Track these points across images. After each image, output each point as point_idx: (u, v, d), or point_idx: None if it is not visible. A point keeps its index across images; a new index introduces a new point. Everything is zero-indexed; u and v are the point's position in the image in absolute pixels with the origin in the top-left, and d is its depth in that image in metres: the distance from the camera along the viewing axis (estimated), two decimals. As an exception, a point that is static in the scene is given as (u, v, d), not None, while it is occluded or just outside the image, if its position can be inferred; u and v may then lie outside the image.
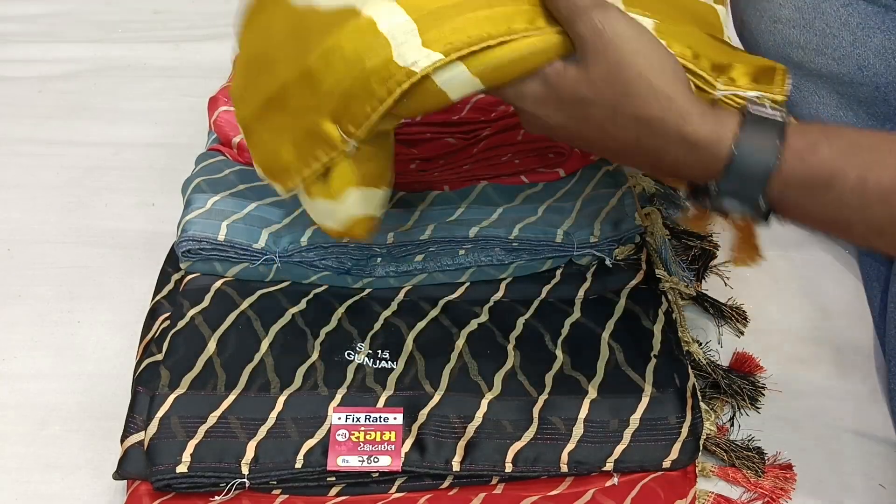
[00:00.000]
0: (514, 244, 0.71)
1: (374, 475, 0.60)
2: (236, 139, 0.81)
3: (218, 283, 0.69)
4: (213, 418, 0.61)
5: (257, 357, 0.65)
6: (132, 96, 1.01)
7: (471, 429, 0.61)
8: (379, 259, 0.71)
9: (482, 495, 0.60)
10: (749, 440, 0.64)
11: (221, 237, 0.69)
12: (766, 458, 0.63)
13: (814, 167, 0.48)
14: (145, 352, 0.66)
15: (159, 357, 0.64)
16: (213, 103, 0.85)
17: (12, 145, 0.93)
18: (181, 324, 0.66)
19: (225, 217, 0.71)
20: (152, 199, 0.87)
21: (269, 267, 0.70)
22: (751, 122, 0.49)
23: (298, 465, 0.60)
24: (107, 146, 0.93)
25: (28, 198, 0.87)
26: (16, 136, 0.94)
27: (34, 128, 0.96)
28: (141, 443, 0.60)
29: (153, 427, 0.60)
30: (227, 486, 0.59)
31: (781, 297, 0.76)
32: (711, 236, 0.78)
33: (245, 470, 0.59)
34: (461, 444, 0.61)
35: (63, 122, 0.97)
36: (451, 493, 0.60)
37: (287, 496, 0.60)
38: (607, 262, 0.71)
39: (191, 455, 0.59)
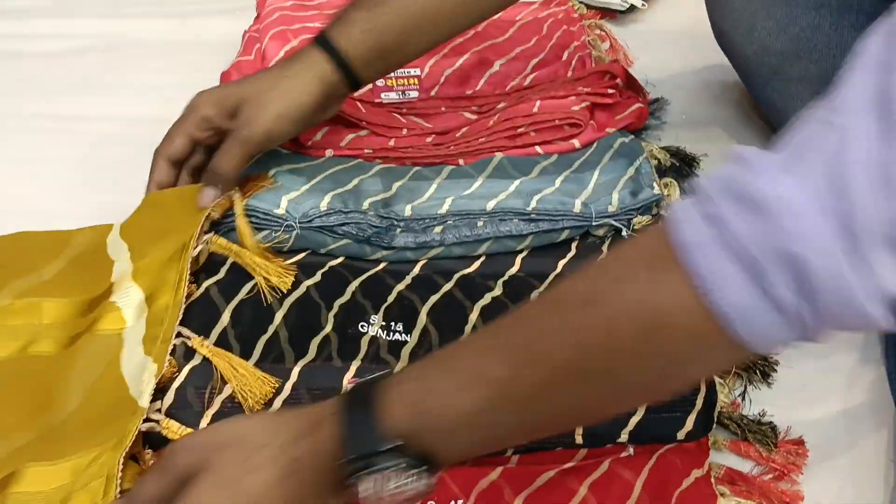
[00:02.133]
0: (533, 216, 0.71)
1: (388, 447, 0.61)
2: (248, 113, 0.81)
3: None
4: (226, 390, 0.61)
5: (271, 329, 0.65)
6: (141, 71, 1.01)
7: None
8: (398, 230, 0.71)
9: (499, 469, 0.60)
10: (761, 415, 0.64)
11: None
12: (778, 432, 0.63)
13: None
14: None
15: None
16: (225, 78, 0.86)
17: (24, 120, 0.93)
18: (196, 294, 0.66)
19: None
20: (165, 174, 0.87)
21: (289, 234, 0.70)
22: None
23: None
24: (117, 121, 0.93)
25: (40, 172, 0.87)
26: (27, 111, 0.94)
27: (45, 103, 0.96)
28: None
29: (169, 398, 0.60)
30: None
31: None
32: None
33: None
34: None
35: (73, 97, 0.97)
36: (466, 464, 0.61)
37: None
38: (624, 232, 0.72)
39: (208, 423, 0.59)
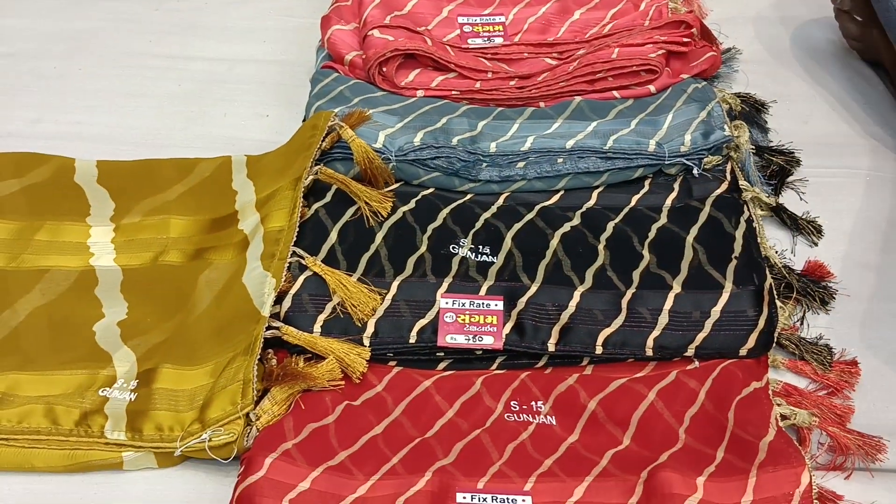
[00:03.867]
0: (609, 154, 0.77)
1: (477, 353, 0.68)
2: (349, 56, 0.88)
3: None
4: (336, 298, 0.69)
5: (373, 247, 0.72)
6: (241, 16, 1.08)
7: (565, 316, 0.68)
8: (484, 165, 0.78)
9: (575, 375, 0.67)
10: (818, 338, 0.70)
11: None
12: (833, 353, 0.69)
13: None
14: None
15: (288, 242, 0.73)
16: (325, 22, 0.91)
17: (136, 58, 1.01)
18: (307, 215, 0.74)
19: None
20: (266, 111, 0.94)
21: (387, 165, 0.77)
22: None
23: (412, 340, 0.67)
24: (221, 62, 1.01)
25: (154, 107, 0.95)
26: (139, 51, 1.03)
27: (154, 44, 1.04)
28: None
29: (287, 302, 0.68)
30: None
31: (853, 210, 0.81)
32: (793, 153, 0.82)
33: (366, 343, 0.67)
34: (556, 328, 0.68)
35: (180, 38, 1.04)
36: (546, 371, 0.68)
37: (401, 368, 0.68)
38: (695, 171, 0.77)
39: (321, 327, 0.67)
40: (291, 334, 0.66)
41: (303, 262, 0.70)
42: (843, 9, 0.94)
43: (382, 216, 0.75)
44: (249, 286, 0.70)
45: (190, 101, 0.96)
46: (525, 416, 0.64)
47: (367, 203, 0.75)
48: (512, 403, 0.65)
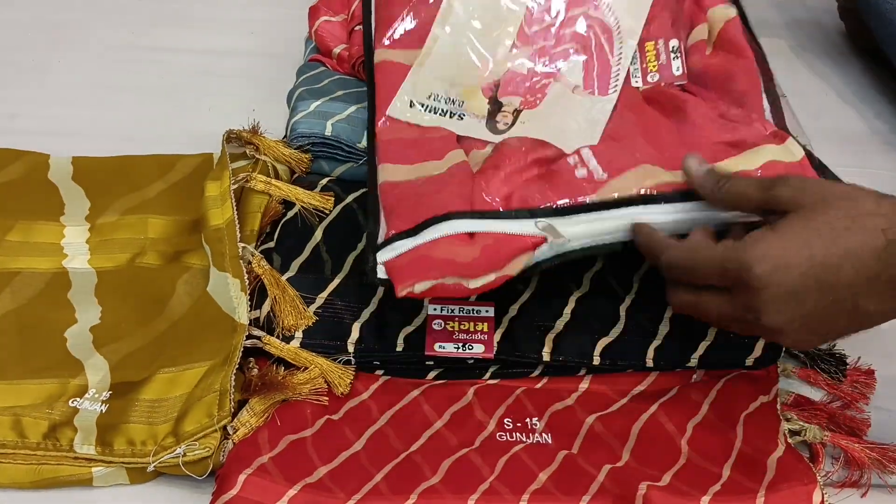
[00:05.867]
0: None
1: (468, 362, 0.64)
2: (336, 49, 0.84)
3: (324, 181, 0.74)
4: (320, 299, 0.65)
5: (360, 246, 0.69)
6: (228, 6, 1.04)
7: (560, 323, 0.65)
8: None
9: (574, 395, 0.63)
10: (831, 346, 0.66)
11: (328, 133, 0.73)
12: (847, 362, 0.65)
13: None
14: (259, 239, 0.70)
15: (271, 244, 0.69)
16: (313, 13, 0.88)
17: (119, 51, 0.98)
18: (290, 213, 0.70)
19: (329, 117, 0.75)
20: (252, 105, 0.90)
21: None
22: None
23: (399, 348, 0.64)
24: (207, 54, 0.97)
25: (136, 101, 0.91)
26: (121, 43, 0.99)
27: (137, 35, 1.00)
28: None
29: (267, 305, 0.65)
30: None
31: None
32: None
33: (351, 349, 0.64)
34: (550, 336, 0.64)
35: (164, 29, 1.01)
36: (542, 383, 0.64)
37: (389, 377, 0.64)
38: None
39: (303, 331, 0.64)
40: (274, 345, 0.63)
41: (251, 259, 0.66)
42: (847, 6, 0.90)
43: (326, 212, 0.71)
44: (212, 291, 0.66)
45: (173, 95, 0.92)
46: (519, 434, 0.60)
47: (303, 204, 0.72)
48: (505, 421, 0.61)
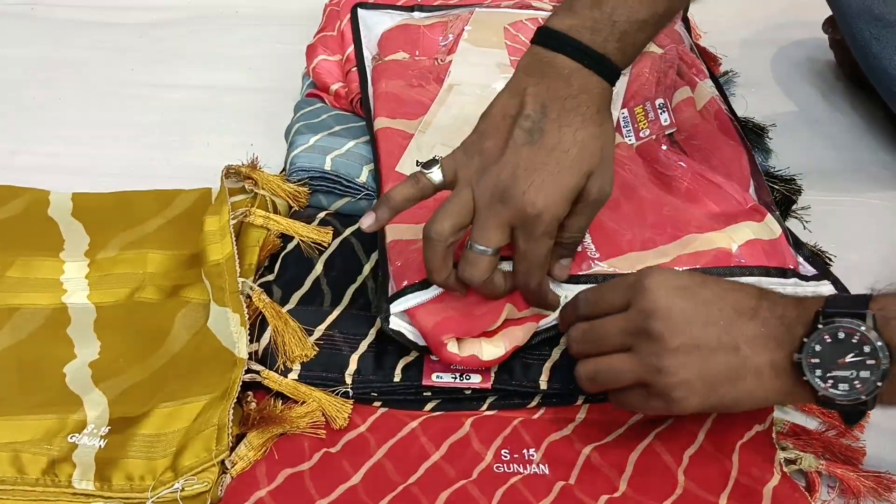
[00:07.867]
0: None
1: (466, 392, 0.65)
2: (334, 86, 0.86)
3: (322, 214, 0.75)
4: (318, 331, 0.66)
5: (360, 279, 0.70)
6: (227, 43, 1.06)
7: (556, 352, 0.65)
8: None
9: (571, 426, 0.63)
10: (825, 374, 0.66)
11: (328, 167, 0.74)
12: (840, 391, 0.65)
13: None
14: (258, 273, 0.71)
15: (271, 277, 0.70)
16: (311, 51, 0.90)
17: (119, 87, 0.99)
18: (290, 246, 0.71)
19: (328, 152, 0.76)
20: (250, 140, 0.91)
21: (370, 203, 0.75)
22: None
23: (397, 378, 0.64)
24: (205, 90, 0.99)
25: (135, 137, 0.93)
26: (122, 79, 1.01)
27: (137, 72, 1.02)
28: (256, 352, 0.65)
29: (266, 337, 0.65)
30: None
31: (860, 241, 0.78)
32: (794, 180, 0.80)
33: (349, 381, 0.64)
34: (547, 365, 0.65)
35: (164, 66, 1.03)
36: (539, 414, 0.64)
37: (386, 409, 0.65)
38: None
39: (301, 364, 0.64)
40: (273, 379, 0.63)
41: (250, 293, 0.67)
42: (836, 38, 0.92)
43: (324, 246, 0.72)
44: (212, 326, 0.67)
45: (172, 131, 0.93)
46: (516, 465, 0.61)
47: (302, 238, 0.73)
48: (503, 452, 0.62)
